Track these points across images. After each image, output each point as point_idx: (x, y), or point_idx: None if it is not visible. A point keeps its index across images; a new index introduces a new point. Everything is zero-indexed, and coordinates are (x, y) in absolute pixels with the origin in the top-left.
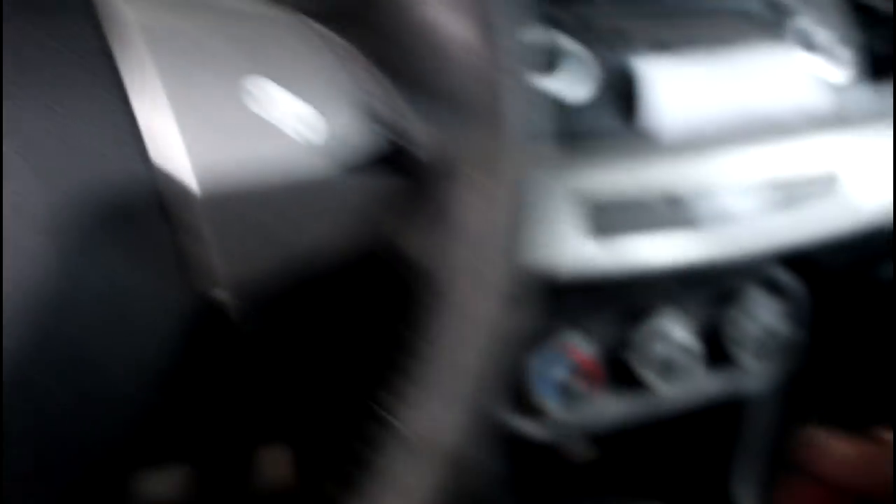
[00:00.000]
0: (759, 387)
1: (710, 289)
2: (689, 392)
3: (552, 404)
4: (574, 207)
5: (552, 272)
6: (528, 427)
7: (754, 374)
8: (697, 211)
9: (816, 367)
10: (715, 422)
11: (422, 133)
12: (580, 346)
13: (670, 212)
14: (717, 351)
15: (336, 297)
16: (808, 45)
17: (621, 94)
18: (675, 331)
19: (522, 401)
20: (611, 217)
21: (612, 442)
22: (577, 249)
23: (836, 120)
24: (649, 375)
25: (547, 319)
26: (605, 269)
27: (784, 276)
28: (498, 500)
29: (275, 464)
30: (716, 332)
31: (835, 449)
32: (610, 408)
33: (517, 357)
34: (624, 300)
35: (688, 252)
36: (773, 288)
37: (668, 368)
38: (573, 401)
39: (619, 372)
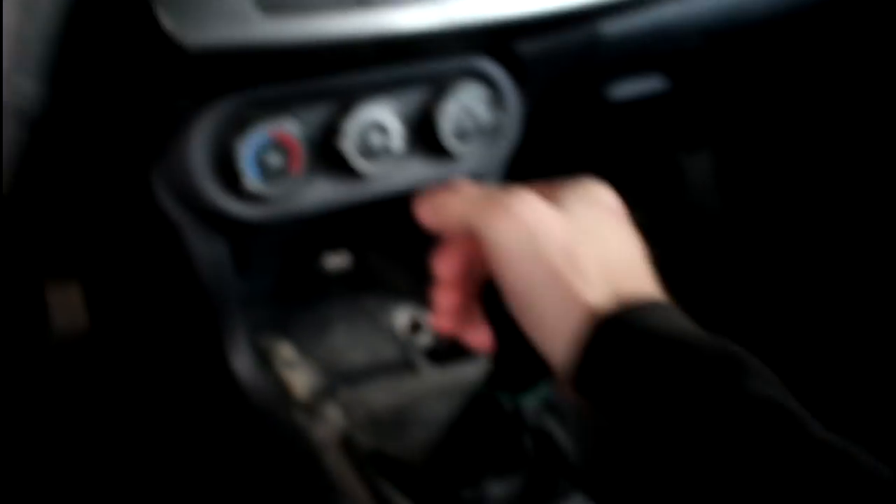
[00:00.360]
0: (467, 171)
1: (419, 81)
2: (397, 177)
3: (255, 182)
4: None
5: (223, 46)
6: (239, 208)
7: (465, 160)
8: None
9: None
10: None
11: None
12: (287, 129)
13: None
14: (426, 138)
15: None
16: None
17: None
18: (384, 118)
19: (232, 183)
20: None
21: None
22: (247, 25)
23: None
24: (357, 160)
25: (251, 105)
26: (275, 42)
27: (490, 67)
28: None
29: (65, 301)
30: (425, 121)
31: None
32: (318, 190)
33: (225, 141)
34: (334, 89)
35: (363, 26)
36: (480, 78)
37: (375, 153)
38: (275, 178)
39: (329, 156)
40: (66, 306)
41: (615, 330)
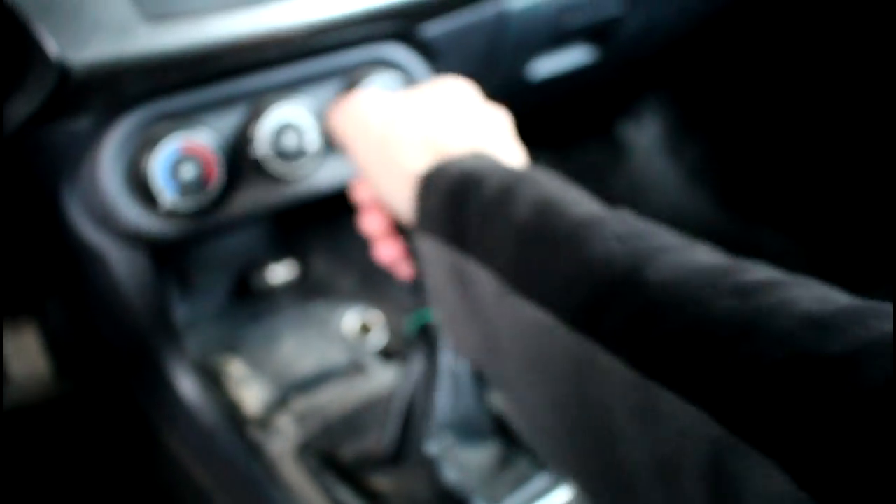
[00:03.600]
0: None
1: (330, 76)
2: (319, 176)
3: (172, 197)
4: None
5: (110, 61)
6: (159, 226)
7: None
8: None
9: None
10: None
11: None
12: (199, 140)
13: None
14: None
15: None
16: None
17: None
18: (298, 118)
19: (149, 200)
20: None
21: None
22: (130, 34)
23: None
24: (274, 163)
25: (158, 119)
26: (164, 51)
27: (400, 54)
28: None
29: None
30: None
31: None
32: (239, 198)
33: (136, 157)
34: (243, 93)
35: (255, 25)
36: (391, 66)
37: (292, 155)
38: (191, 191)
39: (246, 163)
40: (22, 350)
41: (432, 175)
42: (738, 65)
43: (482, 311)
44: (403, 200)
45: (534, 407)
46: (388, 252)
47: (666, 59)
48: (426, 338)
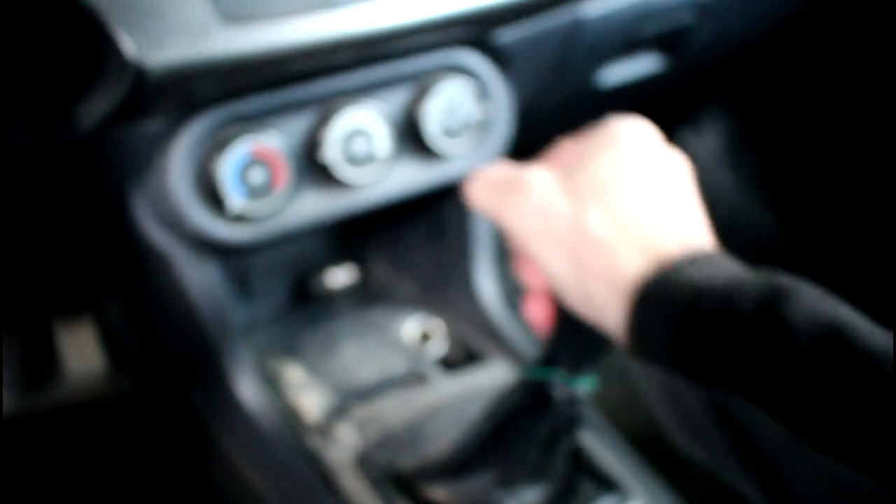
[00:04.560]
0: (463, 171)
1: (401, 81)
2: (387, 183)
3: (240, 201)
4: None
5: (188, 63)
6: (227, 231)
7: (456, 158)
8: None
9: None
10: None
11: None
12: (268, 144)
13: None
14: (413, 140)
15: None
16: None
17: None
18: (368, 123)
19: (217, 204)
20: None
21: None
22: (207, 36)
23: None
24: (343, 169)
25: (228, 122)
26: (242, 53)
27: (472, 60)
28: None
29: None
30: (410, 122)
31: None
32: (307, 204)
33: (205, 161)
34: (313, 97)
35: (333, 29)
36: (463, 72)
37: (361, 160)
38: (260, 195)
39: (314, 168)
40: (79, 346)
41: (653, 293)
42: (801, 76)
43: (756, 446)
44: (610, 309)
45: None
46: (538, 311)
47: (731, 69)
48: (536, 392)
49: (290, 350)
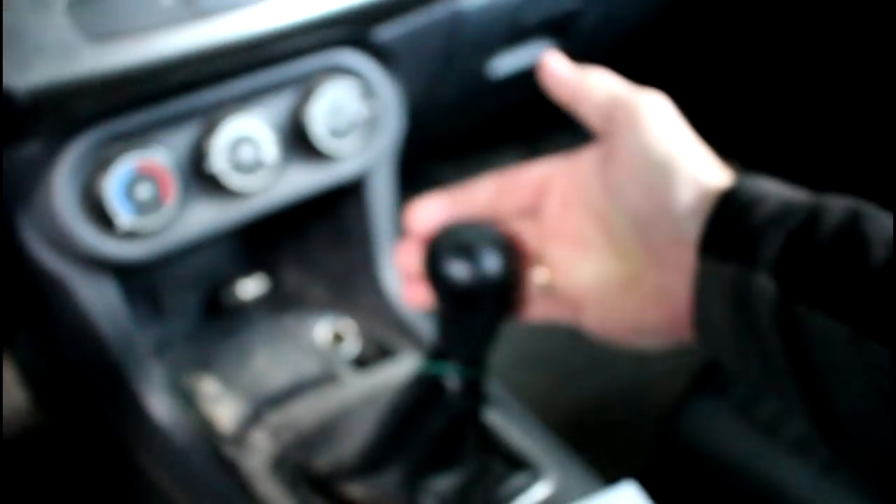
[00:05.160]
0: (351, 169)
1: (284, 86)
2: (278, 188)
3: (129, 218)
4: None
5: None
6: (118, 248)
7: (345, 158)
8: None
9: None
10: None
11: None
12: (153, 158)
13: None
14: (301, 144)
15: None
16: None
17: None
18: (253, 130)
19: (106, 222)
20: (104, 17)
21: None
22: (73, 56)
23: None
24: (231, 178)
25: (111, 139)
26: (109, 70)
27: (354, 59)
28: None
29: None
30: (296, 126)
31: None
32: (198, 216)
33: (91, 179)
34: (196, 108)
35: (202, 39)
36: (346, 72)
37: (249, 168)
38: (148, 211)
39: (203, 179)
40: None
41: (738, 197)
42: (705, 53)
43: (817, 360)
44: (689, 220)
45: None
46: (420, 295)
47: (631, 50)
48: (430, 386)
49: (205, 363)
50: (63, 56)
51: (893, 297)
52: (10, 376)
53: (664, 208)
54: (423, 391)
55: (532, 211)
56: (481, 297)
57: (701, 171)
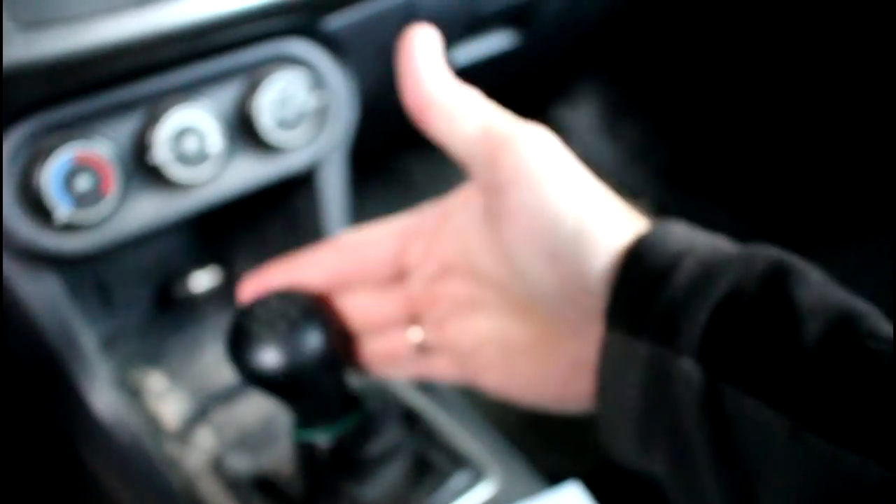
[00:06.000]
0: (300, 161)
1: (231, 76)
2: (224, 181)
3: (67, 210)
4: None
5: None
6: (58, 242)
7: (294, 150)
8: None
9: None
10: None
11: None
12: (93, 149)
13: None
14: (247, 135)
15: None
16: None
17: None
18: (197, 121)
19: (45, 215)
20: (38, 4)
21: None
22: (4, 44)
23: None
24: (174, 170)
25: (48, 130)
26: (42, 59)
27: (303, 49)
28: None
29: None
30: (243, 117)
31: None
32: (141, 208)
33: (28, 171)
34: (138, 98)
35: (137, 27)
36: (295, 62)
37: (193, 160)
38: (88, 203)
39: (146, 171)
40: None
41: (644, 257)
42: (672, 42)
43: (748, 454)
44: (590, 288)
45: None
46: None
47: (595, 39)
48: (310, 452)
49: (154, 357)
50: None
51: (831, 382)
52: None
53: (573, 280)
54: (304, 455)
55: (393, 277)
56: (302, 383)
57: (613, 229)
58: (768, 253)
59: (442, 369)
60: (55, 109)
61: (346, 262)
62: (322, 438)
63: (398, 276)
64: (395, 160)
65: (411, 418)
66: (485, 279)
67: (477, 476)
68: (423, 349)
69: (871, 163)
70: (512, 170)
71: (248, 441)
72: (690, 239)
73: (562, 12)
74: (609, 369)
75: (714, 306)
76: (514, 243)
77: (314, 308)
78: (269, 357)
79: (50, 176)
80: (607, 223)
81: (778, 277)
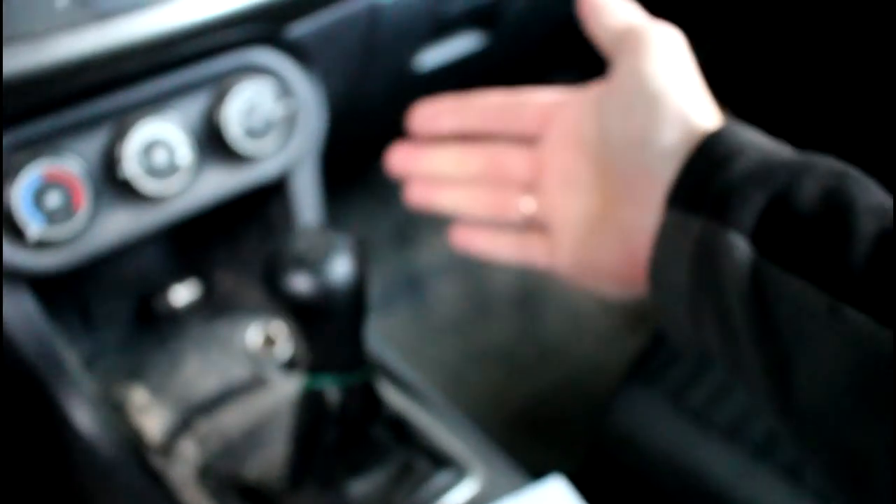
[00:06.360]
0: (271, 170)
1: (197, 87)
2: (196, 192)
3: (39, 228)
4: None
5: None
6: (30, 259)
7: (264, 158)
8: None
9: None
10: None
11: None
12: (62, 166)
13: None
14: (217, 146)
15: None
16: None
17: None
18: (166, 133)
19: (16, 233)
20: None
21: None
22: None
23: None
24: (144, 183)
25: (15, 148)
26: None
27: (268, 57)
28: None
29: None
30: (215, 129)
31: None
32: (113, 223)
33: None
34: (105, 113)
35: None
36: (261, 71)
37: (163, 173)
38: (60, 220)
39: (117, 185)
40: None
41: (717, 144)
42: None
43: (787, 327)
44: (665, 162)
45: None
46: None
47: (564, 36)
48: (317, 401)
49: (136, 372)
50: None
51: (880, 266)
52: None
53: (644, 141)
54: (309, 407)
55: (532, 138)
56: (330, 310)
57: (690, 111)
58: (831, 161)
59: (536, 250)
60: (21, 127)
61: (507, 112)
62: (331, 389)
63: (530, 142)
64: (372, 170)
65: (398, 426)
66: (587, 149)
67: (459, 474)
68: (527, 226)
69: (872, 162)
70: (629, 47)
71: (232, 451)
72: (759, 138)
73: (527, 12)
74: (663, 246)
75: (773, 193)
76: (609, 103)
77: (348, 246)
78: (301, 281)
79: (20, 194)
80: (689, 104)
81: (839, 178)
